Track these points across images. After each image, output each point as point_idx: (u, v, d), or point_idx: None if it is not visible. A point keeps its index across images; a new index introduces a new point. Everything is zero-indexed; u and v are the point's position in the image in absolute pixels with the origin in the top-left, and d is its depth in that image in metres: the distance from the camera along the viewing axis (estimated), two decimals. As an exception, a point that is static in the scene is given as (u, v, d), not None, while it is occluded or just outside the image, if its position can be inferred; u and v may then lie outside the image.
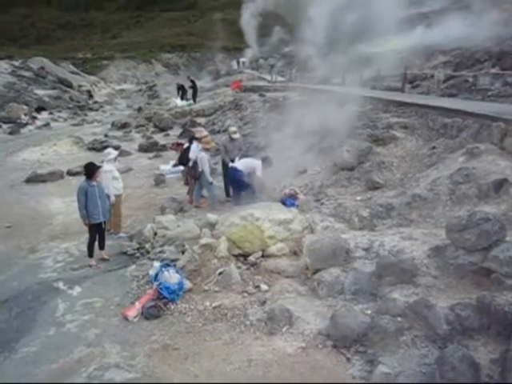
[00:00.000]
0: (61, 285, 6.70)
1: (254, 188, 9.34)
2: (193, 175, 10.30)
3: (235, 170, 9.45)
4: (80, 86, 45.83)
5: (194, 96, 28.75)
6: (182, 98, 28.96)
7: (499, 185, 6.82)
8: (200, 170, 9.89)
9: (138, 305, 5.71)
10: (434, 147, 9.27)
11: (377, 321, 4.67)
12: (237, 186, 9.67)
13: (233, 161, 10.00)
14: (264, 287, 5.97)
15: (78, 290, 6.54)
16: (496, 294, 4.47)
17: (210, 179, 9.89)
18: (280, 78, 30.20)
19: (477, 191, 6.98)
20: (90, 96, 42.80)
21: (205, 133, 10.65)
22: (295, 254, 6.66)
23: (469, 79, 15.91)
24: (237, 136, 10.57)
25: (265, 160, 9.68)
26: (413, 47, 26.88)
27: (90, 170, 7.35)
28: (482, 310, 4.38)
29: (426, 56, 24.81)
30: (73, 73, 51.37)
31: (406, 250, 5.80)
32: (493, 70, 15.85)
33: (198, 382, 4.48)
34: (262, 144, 12.96)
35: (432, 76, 18.73)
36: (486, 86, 14.32)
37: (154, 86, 48.06)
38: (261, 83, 29.76)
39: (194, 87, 28.90)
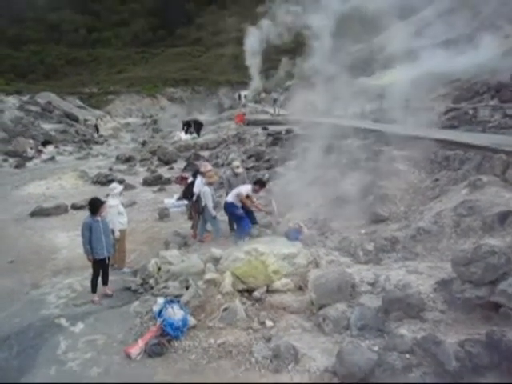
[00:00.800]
0: (63, 321, 6.64)
1: (250, 217, 9.39)
2: (197, 209, 10.32)
3: (226, 203, 9.61)
4: (86, 120, 46.60)
5: (199, 130, 29.18)
6: (187, 132, 29.42)
7: (504, 217, 6.79)
8: (203, 204, 9.91)
9: (141, 342, 5.63)
10: (436, 179, 9.30)
11: (384, 358, 4.58)
12: (234, 219, 9.77)
13: None
14: (269, 323, 5.88)
15: (80, 326, 6.48)
16: (505, 329, 4.39)
17: (214, 213, 9.90)
18: (282, 111, 30.60)
19: (481, 224, 6.94)
20: (97, 130, 43.44)
21: (209, 167, 10.72)
22: (300, 289, 6.59)
23: (469, 111, 16.06)
24: (240, 170, 10.66)
25: (258, 182, 9.75)
26: (413, 80, 27.29)
27: (95, 206, 7.37)
28: (491, 347, 4.29)
29: (426, 88, 25.13)
30: (79, 107, 52.35)
31: (412, 284, 5.73)
32: (492, 102, 16.03)
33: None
34: (266, 177, 13.02)
35: (433, 108, 18.95)
36: (486, 118, 14.45)
37: (160, 119, 48.72)
38: (264, 117, 30.19)
39: (198, 124, 29.44)
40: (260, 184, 9.70)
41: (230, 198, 9.53)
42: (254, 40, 41.59)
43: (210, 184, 10.10)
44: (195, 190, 10.36)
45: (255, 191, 9.58)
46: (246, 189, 9.45)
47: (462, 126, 14.63)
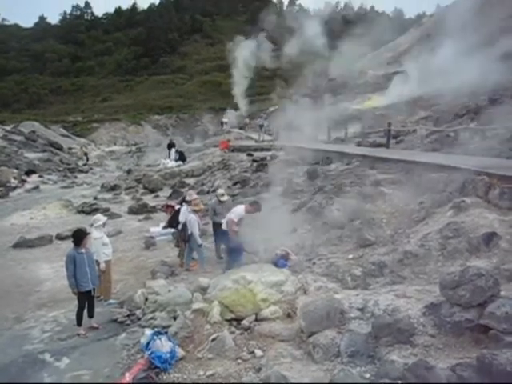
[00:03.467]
0: (47, 357, 6.47)
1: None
2: (183, 238, 10.26)
3: (224, 231, 9.37)
4: (70, 149, 46.43)
5: (184, 157, 29.50)
6: (171, 154, 29.90)
7: (489, 238, 6.86)
8: (189, 232, 9.86)
9: (128, 376, 5.49)
10: (421, 202, 9.37)
11: (376, 385, 4.53)
12: (228, 247, 9.46)
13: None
14: (259, 353, 5.79)
15: (65, 361, 6.31)
16: (496, 352, 4.37)
17: (199, 241, 9.84)
18: (267, 137, 30.85)
19: (467, 245, 6.99)
20: (87, 158, 43.59)
21: (194, 196, 10.72)
22: (289, 316, 6.53)
23: (450, 134, 16.35)
24: (225, 198, 10.58)
25: (252, 204, 9.48)
26: (393, 103, 27.93)
27: (78, 237, 7.32)
28: (483, 371, 4.27)
29: (407, 111, 25.67)
30: (63, 136, 52.21)
31: (401, 308, 5.71)
32: (472, 125, 16.37)
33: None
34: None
35: (415, 131, 19.29)
36: (466, 141, 14.72)
37: (145, 147, 48.80)
38: (248, 143, 30.36)
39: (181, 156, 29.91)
40: (256, 206, 9.40)
41: (226, 225, 9.33)
42: (245, 52, 42.25)
43: (195, 212, 10.07)
44: (181, 218, 10.31)
45: (249, 212, 9.42)
46: (239, 212, 9.11)
47: (443, 148, 14.87)
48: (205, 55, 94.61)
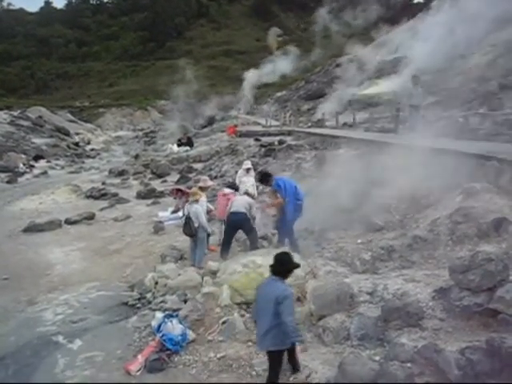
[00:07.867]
0: (60, 339, 6.57)
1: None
2: (187, 232, 9.48)
3: (236, 213, 8.70)
4: (78, 134, 46.59)
5: (191, 143, 29.56)
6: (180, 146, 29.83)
7: (498, 223, 6.84)
8: (196, 225, 8.73)
9: (140, 358, 5.58)
10: (430, 188, 9.35)
11: (386, 367, 4.56)
12: (235, 231, 9.01)
13: None
14: (269, 335, 5.86)
15: (78, 343, 6.40)
16: (505, 335, 4.41)
17: (208, 229, 9.06)
18: (274, 123, 30.71)
19: (476, 230, 6.98)
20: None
21: (209, 183, 10.14)
22: (299, 300, 6.58)
23: (459, 119, 16.20)
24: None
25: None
26: (401, 89, 27.63)
27: (289, 267, 4.88)
28: (492, 354, 4.29)
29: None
30: (70, 121, 52.29)
31: (410, 292, 5.75)
32: (481, 110, 16.20)
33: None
34: (260, 189, 13.02)
35: (423, 116, 19.08)
36: (476, 126, 14.59)
37: (156, 131, 48.73)
38: (256, 128, 30.24)
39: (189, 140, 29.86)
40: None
41: (238, 207, 8.65)
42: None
43: (196, 201, 8.88)
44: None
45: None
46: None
47: (453, 133, 14.73)
48: (211, 40, 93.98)
